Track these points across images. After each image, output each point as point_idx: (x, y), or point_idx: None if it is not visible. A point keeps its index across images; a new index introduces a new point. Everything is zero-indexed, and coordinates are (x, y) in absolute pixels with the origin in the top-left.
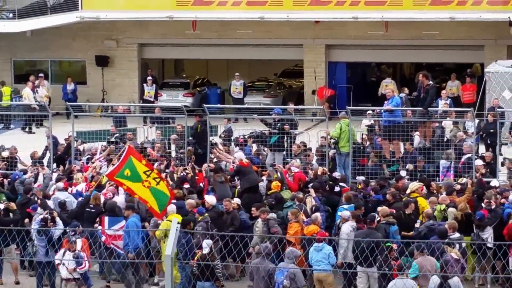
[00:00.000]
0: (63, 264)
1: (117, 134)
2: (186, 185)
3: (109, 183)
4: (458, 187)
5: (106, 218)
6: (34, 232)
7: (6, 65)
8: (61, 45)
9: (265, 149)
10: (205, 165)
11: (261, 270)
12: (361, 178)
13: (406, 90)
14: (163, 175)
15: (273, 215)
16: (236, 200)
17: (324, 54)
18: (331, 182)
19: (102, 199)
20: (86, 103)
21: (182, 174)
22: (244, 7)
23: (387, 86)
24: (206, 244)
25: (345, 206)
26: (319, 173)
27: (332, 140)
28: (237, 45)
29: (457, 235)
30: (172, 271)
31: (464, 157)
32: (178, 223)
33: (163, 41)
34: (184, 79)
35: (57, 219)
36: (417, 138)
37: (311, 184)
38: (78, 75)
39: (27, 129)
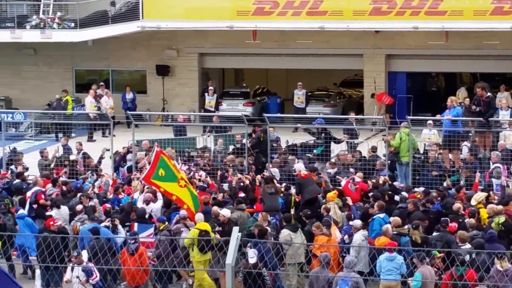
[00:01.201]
0: (77, 277)
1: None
2: (241, 194)
3: (147, 188)
4: None
5: (136, 225)
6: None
7: (68, 74)
8: (122, 54)
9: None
10: (259, 176)
11: (321, 279)
12: (421, 188)
13: (467, 101)
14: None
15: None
16: (224, 212)
17: (384, 64)
18: (389, 192)
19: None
20: (146, 112)
21: (239, 183)
22: (304, 17)
23: (458, 95)
24: (254, 253)
25: (381, 215)
26: (380, 182)
27: (393, 149)
28: (297, 55)
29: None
30: (233, 280)
31: None
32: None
33: (223, 51)
34: (244, 89)
35: (119, 226)
36: (465, 148)
37: (371, 194)
38: (138, 85)
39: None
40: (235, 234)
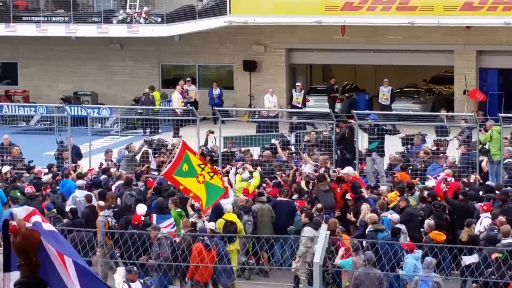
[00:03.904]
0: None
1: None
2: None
3: None
4: None
5: (154, 216)
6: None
7: (155, 70)
8: (209, 49)
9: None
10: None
11: (371, 276)
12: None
13: None
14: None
15: None
16: (210, 225)
17: (475, 60)
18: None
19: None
20: (233, 108)
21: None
22: (394, 12)
23: None
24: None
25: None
26: (471, 180)
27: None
28: (386, 51)
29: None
30: (321, 279)
31: None
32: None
33: (311, 46)
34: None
35: (207, 222)
36: None
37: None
38: (224, 80)
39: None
40: (324, 232)
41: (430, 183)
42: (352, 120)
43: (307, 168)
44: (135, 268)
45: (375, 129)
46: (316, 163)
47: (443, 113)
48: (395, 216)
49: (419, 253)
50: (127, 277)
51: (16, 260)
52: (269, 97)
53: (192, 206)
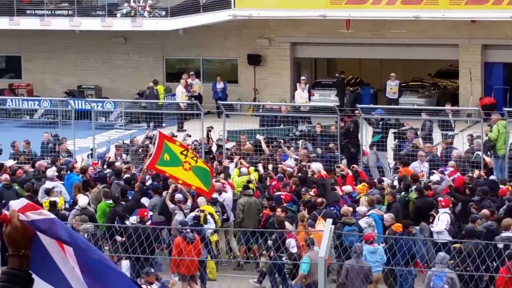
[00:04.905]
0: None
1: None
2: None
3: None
4: None
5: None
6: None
7: (159, 64)
8: (213, 43)
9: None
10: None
11: (356, 268)
12: None
13: None
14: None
15: None
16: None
17: (480, 55)
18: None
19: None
20: (237, 102)
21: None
22: (399, 6)
23: None
24: (294, 244)
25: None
26: (474, 175)
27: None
28: (390, 45)
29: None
30: (325, 274)
31: None
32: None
33: (316, 40)
34: (336, 79)
35: (208, 217)
36: None
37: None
38: (229, 74)
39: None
40: (329, 226)
41: (435, 177)
42: (358, 112)
43: (290, 161)
44: (152, 270)
45: (380, 123)
46: (297, 157)
47: (448, 107)
48: (362, 209)
49: (377, 247)
50: (145, 279)
51: None
52: (301, 92)
53: (172, 200)
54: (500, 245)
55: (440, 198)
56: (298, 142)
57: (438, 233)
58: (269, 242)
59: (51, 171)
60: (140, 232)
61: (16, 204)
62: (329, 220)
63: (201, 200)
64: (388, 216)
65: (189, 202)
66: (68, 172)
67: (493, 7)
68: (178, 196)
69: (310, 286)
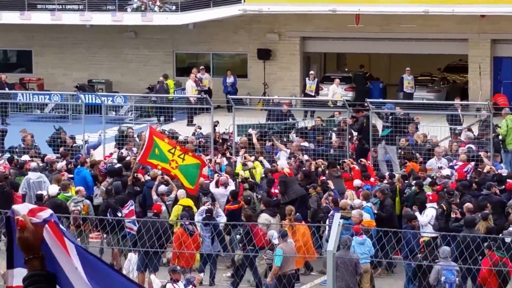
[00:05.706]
0: None
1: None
2: None
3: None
4: None
5: None
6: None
7: (169, 58)
8: (223, 38)
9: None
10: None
11: (346, 260)
12: None
13: None
14: None
15: None
16: None
17: (489, 49)
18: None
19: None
20: (247, 96)
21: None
22: (408, 0)
23: None
24: (276, 235)
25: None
26: (485, 170)
27: (500, 137)
28: (400, 39)
29: None
30: (334, 268)
31: None
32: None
33: (325, 35)
34: (346, 73)
35: (219, 210)
36: None
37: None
38: (238, 68)
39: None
40: (337, 220)
41: (445, 171)
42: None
43: (282, 155)
44: (178, 267)
45: (390, 117)
46: (287, 150)
47: (457, 101)
48: (357, 202)
49: (365, 238)
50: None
51: (19, 257)
52: (335, 87)
53: (156, 191)
54: (508, 239)
55: (428, 193)
56: (290, 136)
57: (422, 226)
58: (237, 237)
59: (61, 164)
60: (149, 226)
61: (22, 208)
62: (337, 215)
63: (181, 192)
64: (356, 212)
65: (173, 194)
66: (79, 166)
67: (503, 2)
68: (161, 188)
69: (281, 278)
